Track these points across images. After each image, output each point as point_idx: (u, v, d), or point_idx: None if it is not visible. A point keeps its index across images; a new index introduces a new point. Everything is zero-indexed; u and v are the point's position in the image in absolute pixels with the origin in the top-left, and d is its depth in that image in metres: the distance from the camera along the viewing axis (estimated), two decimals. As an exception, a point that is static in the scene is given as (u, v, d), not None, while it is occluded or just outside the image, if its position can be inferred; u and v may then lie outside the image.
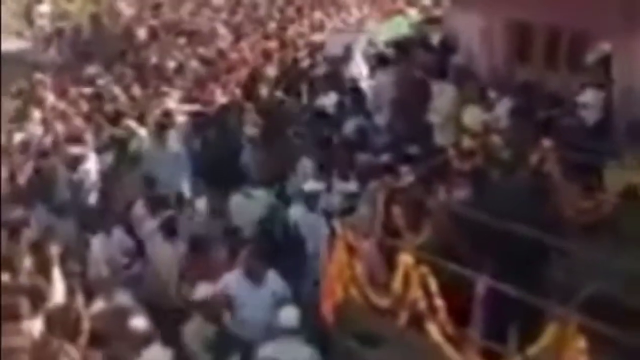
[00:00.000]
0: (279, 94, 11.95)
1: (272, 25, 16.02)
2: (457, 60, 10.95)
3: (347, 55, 12.76)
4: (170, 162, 9.95)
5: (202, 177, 10.01)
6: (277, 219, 8.43)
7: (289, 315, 6.64)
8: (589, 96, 9.03)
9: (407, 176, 8.76)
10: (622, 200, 7.14)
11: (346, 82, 12.00)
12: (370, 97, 11.28)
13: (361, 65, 12.60)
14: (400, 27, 13.97)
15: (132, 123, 10.64)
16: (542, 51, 10.10)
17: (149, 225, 8.27)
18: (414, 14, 15.07)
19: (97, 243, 8.04)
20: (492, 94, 9.92)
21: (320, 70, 12.77)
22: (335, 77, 12.15)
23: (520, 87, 9.64)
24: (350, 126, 10.26)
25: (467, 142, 8.91)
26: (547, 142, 8.04)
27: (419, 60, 11.33)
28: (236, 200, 8.67)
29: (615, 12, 8.94)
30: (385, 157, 9.08)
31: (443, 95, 10.21)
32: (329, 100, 11.19)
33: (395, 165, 8.77)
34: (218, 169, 9.72)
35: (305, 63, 13.37)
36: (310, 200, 8.37)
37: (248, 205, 8.58)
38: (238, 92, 12.10)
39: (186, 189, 9.77)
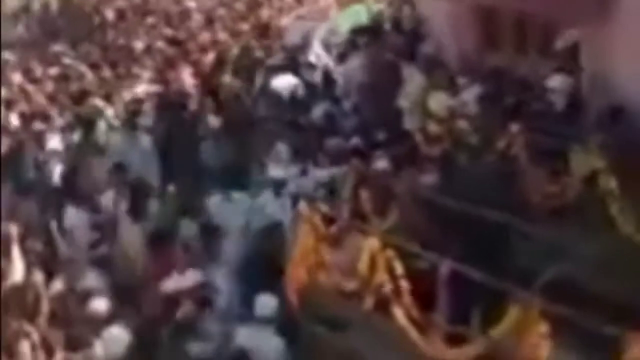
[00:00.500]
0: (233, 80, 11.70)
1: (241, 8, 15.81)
2: (427, 47, 10.96)
3: (305, 43, 12.66)
4: (139, 150, 9.86)
5: (167, 168, 9.85)
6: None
7: (266, 303, 6.63)
8: (557, 81, 9.06)
9: (376, 160, 8.81)
10: (585, 186, 7.17)
11: (304, 69, 11.83)
12: (340, 82, 11.22)
13: (320, 54, 12.41)
14: (358, 15, 13.69)
15: (99, 102, 10.50)
16: (511, 37, 10.12)
17: (118, 207, 8.20)
18: (371, 2, 14.70)
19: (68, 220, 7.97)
20: (461, 81, 9.92)
21: (278, 58, 12.46)
22: (293, 65, 11.87)
23: (489, 73, 9.66)
24: (318, 111, 10.22)
25: (433, 128, 8.90)
26: (514, 127, 8.08)
27: (390, 43, 11.32)
28: (215, 201, 8.58)
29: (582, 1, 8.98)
30: (354, 142, 9.06)
31: (412, 80, 10.20)
32: (282, 85, 11.09)
33: (364, 149, 8.75)
34: (181, 161, 9.61)
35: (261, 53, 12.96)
36: (278, 187, 8.32)
37: (228, 208, 8.48)
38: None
39: (154, 178, 9.60)
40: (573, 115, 8.71)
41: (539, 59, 9.73)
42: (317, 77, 11.58)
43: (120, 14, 16.01)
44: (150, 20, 15.37)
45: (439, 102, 9.58)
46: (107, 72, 12.23)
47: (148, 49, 13.51)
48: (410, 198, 7.81)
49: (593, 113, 8.59)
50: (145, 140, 10.05)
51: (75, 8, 16.65)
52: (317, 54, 12.37)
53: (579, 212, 7.12)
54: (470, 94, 9.51)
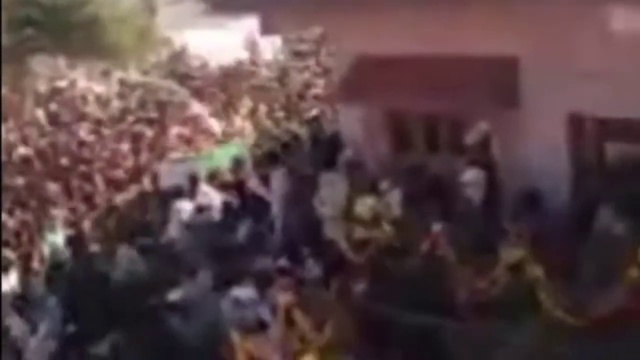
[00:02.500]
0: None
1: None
2: (346, 154, 11.08)
3: (193, 184, 12.12)
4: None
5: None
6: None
7: None
8: (470, 175, 9.17)
9: (306, 275, 8.75)
10: (511, 277, 7.20)
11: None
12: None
13: (208, 191, 11.98)
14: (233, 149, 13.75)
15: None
16: (422, 137, 10.31)
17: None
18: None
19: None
20: (383, 184, 9.99)
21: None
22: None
23: (406, 174, 9.75)
24: (242, 231, 10.18)
25: (359, 233, 8.90)
26: (436, 227, 8.13)
27: (306, 156, 11.43)
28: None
29: (486, 95, 9.23)
30: (280, 261, 9.02)
31: (333, 187, 10.24)
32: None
33: (292, 267, 8.69)
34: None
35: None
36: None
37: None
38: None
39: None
40: (492, 207, 8.80)
41: (451, 155, 9.90)
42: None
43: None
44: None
45: (365, 206, 9.61)
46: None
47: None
48: (342, 310, 7.76)
49: (510, 202, 8.69)
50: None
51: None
52: (204, 193, 11.91)
53: (508, 303, 7.11)
54: (393, 197, 9.56)
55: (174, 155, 14.77)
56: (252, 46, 19.91)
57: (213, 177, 12.39)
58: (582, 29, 8.29)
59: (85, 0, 16.47)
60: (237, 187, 11.90)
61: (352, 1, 9.44)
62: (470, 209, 8.84)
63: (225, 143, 14.19)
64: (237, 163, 12.51)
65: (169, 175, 13.38)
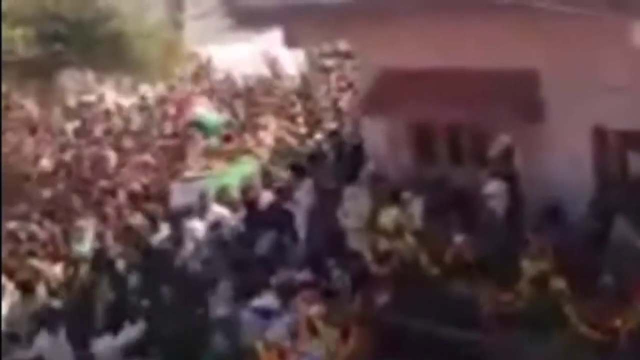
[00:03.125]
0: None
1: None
2: (369, 166, 11.14)
3: (202, 203, 12.07)
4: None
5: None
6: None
7: None
8: (493, 187, 9.21)
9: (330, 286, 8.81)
10: (535, 290, 7.22)
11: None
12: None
13: (219, 211, 11.85)
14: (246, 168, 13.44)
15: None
16: (445, 149, 10.36)
17: None
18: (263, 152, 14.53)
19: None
20: (405, 195, 10.04)
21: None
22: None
23: (429, 186, 9.80)
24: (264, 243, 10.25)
25: (382, 244, 8.95)
26: (459, 238, 8.17)
27: (329, 169, 11.51)
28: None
29: (509, 108, 9.28)
30: (304, 273, 9.08)
31: (357, 199, 10.31)
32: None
33: (315, 278, 8.76)
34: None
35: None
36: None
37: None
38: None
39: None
40: (512, 218, 8.82)
41: (474, 168, 9.94)
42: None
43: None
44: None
45: (389, 217, 9.67)
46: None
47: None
48: (365, 322, 7.81)
49: (532, 215, 8.71)
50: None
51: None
52: (214, 212, 11.85)
53: (533, 316, 7.13)
54: (415, 208, 9.61)
55: (187, 173, 14.35)
56: (272, 61, 19.97)
57: (222, 196, 12.19)
58: (605, 43, 8.33)
59: (110, 14, 16.64)
60: (248, 204, 11.80)
61: (376, 14, 9.51)
62: (492, 220, 8.86)
63: (238, 161, 13.78)
64: (247, 182, 12.39)
65: (181, 193, 13.14)
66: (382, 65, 10.64)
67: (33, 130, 17.52)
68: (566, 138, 8.97)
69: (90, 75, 17.87)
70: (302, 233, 10.73)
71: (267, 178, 12.60)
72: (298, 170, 12.00)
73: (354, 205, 10.13)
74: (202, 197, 12.04)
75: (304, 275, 9.27)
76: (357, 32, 10.66)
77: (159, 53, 17.13)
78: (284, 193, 11.63)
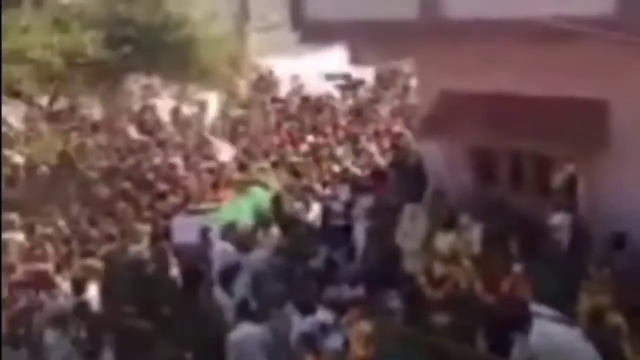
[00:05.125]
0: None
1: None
2: (430, 187, 11.09)
3: (206, 242, 11.03)
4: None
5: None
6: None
7: None
8: (558, 219, 9.08)
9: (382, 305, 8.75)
10: (592, 323, 7.08)
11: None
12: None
13: (225, 248, 10.54)
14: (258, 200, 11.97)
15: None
16: (507, 175, 10.24)
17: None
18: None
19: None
20: (463, 219, 9.95)
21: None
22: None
23: (489, 211, 9.70)
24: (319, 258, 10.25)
25: (438, 268, 8.86)
26: (517, 267, 8.06)
27: (392, 186, 11.48)
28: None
29: (575, 136, 9.15)
30: (357, 290, 9.05)
31: (416, 220, 10.25)
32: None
33: (369, 296, 8.72)
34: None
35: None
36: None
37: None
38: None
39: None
40: (576, 251, 8.67)
41: (536, 195, 9.81)
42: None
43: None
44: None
45: (445, 241, 9.59)
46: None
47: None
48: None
49: (596, 246, 8.56)
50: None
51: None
52: (222, 250, 10.56)
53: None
54: (474, 233, 9.51)
55: (191, 205, 13.04)
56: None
57: (230, 232, 10.78)
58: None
59: (180, 21, 16.89)
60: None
61: (442, 35, 9.47)
62: (555, 252, 8.73)
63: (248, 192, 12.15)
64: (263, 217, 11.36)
65: (183, 230, 11.74)
66: (444, 87, 10.61)
67: (95, 131, 17.90)
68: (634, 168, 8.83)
69: (156, 80, 18.17)
70: (358, 250, 10.73)
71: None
72: (360, 187, 12.01)
73: (412, 226, 10.08)
74: (204, 234, 10.99)
75: (355, 292, 9.23)
76: (421, 52, 10.64)
77: (224, 62, 17.31)
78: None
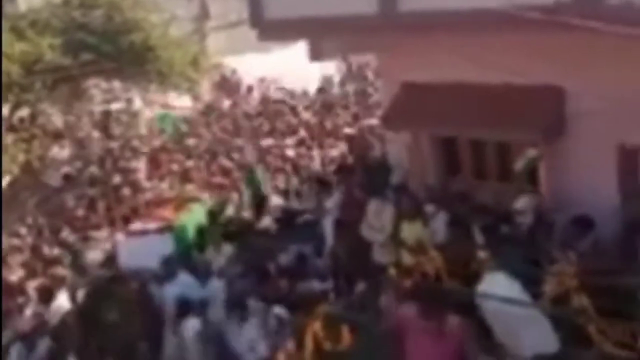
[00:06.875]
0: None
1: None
2: (394, 179, 11.16)
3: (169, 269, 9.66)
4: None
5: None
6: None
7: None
8: (521, 203, 9.20)
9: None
10: (558, 305, 7.19)
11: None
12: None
13: (186, 280, 9.62)
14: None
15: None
16: (470, 163, 10.35)
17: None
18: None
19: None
20: (429, 209, 10.03)
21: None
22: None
23: (453, 199, 9.80)
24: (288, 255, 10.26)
25: (406, 259, 8.94)
26: (482, 254, 8.14)
27: (357, 180, 11.53)
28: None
29: (536, 122, 9.27)
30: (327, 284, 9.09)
31: (382, 213, 10.29)
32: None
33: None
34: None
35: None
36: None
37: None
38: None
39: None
40: (539, 235, 8.79)
41: (499, 182, 9.92)
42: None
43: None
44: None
45: (412, 232, 9.65)
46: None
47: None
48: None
49: (558, 230, 8.69)
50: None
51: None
52: (182, 281, 9.56)
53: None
54: (439, 222, 9.59)
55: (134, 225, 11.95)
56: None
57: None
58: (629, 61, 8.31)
59: (135, 26, 16.83)
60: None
61: (401, 28, 9.54)
62: (518, 236, 8.84)
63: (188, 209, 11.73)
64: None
65: (131, 252, 10.66)
66: (405, 79, 10.69)
67: (58, 138, 17.79)
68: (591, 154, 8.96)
69: (116, 84, 18.09)
70: (326, 245, 10.76)
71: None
72: (325, 184, 12.04)
73: (378, 219, 10.13)
74: (167, 263, 9.65)
75: (324, 286, 9.25)
76: (382, 45, 10.70)
77: (185, 63, 17.27)
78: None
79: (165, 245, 10.50)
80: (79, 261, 10.65)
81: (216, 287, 9.41)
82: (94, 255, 10.94)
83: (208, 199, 12.56)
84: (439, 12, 8.85)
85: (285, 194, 13.06)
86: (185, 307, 8.93)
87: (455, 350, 6.39)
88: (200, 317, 8.85)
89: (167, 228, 11.23)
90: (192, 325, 8.77)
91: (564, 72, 9.04)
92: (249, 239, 10.76)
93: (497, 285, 7.19)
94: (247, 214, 12.24)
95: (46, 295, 9.76)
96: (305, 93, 20.84)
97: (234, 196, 12.77)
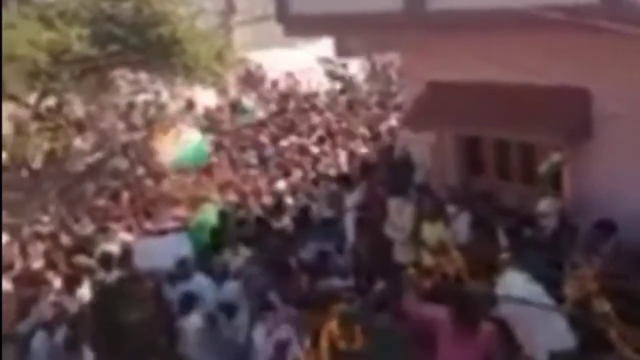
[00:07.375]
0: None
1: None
2: (416, 178, 11.12)
3: (184, 270, 9.63)
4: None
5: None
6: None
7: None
8: (545, 205, 9.14)
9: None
10: (579, 310, 7.13)
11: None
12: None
13: (201, 280, 9.62)
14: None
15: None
16: (494, 164, 10.29)
17: None
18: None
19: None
20: (451, 209, 9.99)
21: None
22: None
23: (475, 199, 9.74)
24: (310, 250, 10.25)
25: (427, 259, 8.90)
26: (505, 256, 8.09)
27: (380, 178, 11.51)
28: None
29: (561, 125, 9.20)
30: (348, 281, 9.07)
31: (403, 212, 10.26)
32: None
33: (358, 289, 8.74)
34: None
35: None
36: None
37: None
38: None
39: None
40: (562, 238, 8.73)
41: (523, 184, 9.86)
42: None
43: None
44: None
45: (433, 233, 9.61)
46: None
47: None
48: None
49: (581, 234, 8.62)
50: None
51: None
52: (197, 282, 9.58)
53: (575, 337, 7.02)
54: (461, 223, 9.54)
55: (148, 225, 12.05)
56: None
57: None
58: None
59: (163, 18, 16.91)
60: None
61: (427, 26, 9.50)
62: (542, 239, 8.78)
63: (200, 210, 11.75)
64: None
65: (146, 252, 10.40)
66: (430, 79, 10.65)
67: (81, 128, 17.93)
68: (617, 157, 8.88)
69: (142, 76, 18.19)
70: (348, 242, 10.74)
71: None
72: (346, 181, 12.02)
73: (400, 218, 10.10)
74: (183, 265, 9.62)
75: (345, 283, 9.23)
76: (408, 44, 10.67)
77: (210, 57, 17.32)
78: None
79: (180, 246, 10.43)
80: (103, 254, 10.65)
81: (232, 288, 9.41)
82: (111, 248, 10.93)
83: (220, 199, 12.61)
84: (466, 11, 8.82)
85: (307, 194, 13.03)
86: (189, 302, 8.94)
87: (484, 356, 6.38)
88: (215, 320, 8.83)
89: (182, 228, 11.23)
90: (193, 321, 8.80)
91: (590, 74, 8.96)
92: (268, 238, 10.73)
93: (514, 286, 7.14)
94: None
95: (70, 284, 9.84)
96: (329, 91, 20.87)
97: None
